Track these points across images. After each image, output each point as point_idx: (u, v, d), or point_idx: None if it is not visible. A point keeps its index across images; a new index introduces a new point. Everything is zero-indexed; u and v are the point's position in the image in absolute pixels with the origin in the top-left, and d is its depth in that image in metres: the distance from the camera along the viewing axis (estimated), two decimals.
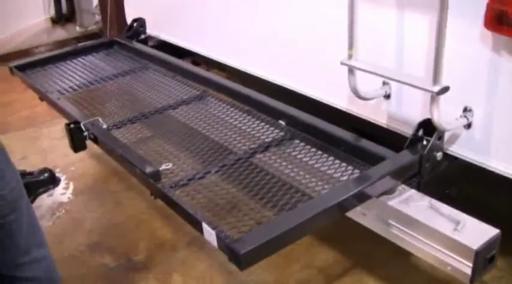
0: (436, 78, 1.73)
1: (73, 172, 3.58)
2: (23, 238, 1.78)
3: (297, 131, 2.33)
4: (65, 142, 2.63)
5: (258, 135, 2.37)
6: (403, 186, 1.95)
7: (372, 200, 1.88)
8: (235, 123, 2.50)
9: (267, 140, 2.32)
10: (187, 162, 2.23)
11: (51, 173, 3.25)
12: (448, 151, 1.99)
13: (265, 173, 2.09)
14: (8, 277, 1.80)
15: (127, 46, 3.54)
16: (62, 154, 3.72)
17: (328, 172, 2.06)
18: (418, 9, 1.92)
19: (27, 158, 3.75)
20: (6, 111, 4.41)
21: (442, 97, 1.77)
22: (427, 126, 1.92)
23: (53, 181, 3.17)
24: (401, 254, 2.34)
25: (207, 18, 3.10)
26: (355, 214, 1.97)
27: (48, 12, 5.74)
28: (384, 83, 2.13)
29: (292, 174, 2.08)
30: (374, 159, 1.99)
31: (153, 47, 3.56)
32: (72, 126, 2.50)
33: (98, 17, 5.62)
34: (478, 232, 1.72)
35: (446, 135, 1.97)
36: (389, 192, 1.91)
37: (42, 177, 3.15)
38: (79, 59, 3.46)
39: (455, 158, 1.99)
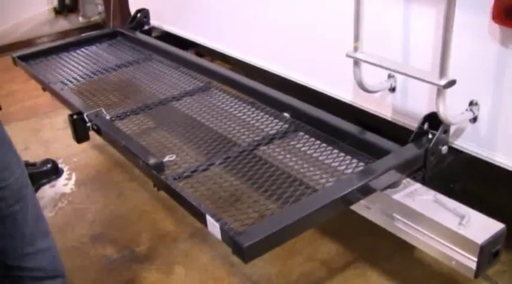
0: (442, 72, 1.72)
1: (75, 163, 3.57)
2: (28, 228, 1.77)
3: (302, 123, 2.32)
4: (68, 132, 2.62)
5: (262, 127, 2.37)
6: (408, 179, 1.94)
7: (376, 193, 1.87)
8: (239, 114, 2.49)
9: (271, 132, 2.31)
10: (190, 153, 2.23)
11: (54, 164, 3.27)
12: (453, 145, 1.98)
13: (269, 165, 2.08)
14: (13, 268, 1.79)
15: (130, 37, 3.53)
16: (64, 144, 3.71)
17: (333, 165, 2.05)
18: (425, 1, 1.90)
19: (29, 149, 3.74)
20: (9, 101, 4.40)
21: (448, 90, 1.76)
22: (433, 120, 1.92)
23: (55, 171, 3.18)
24: (404, 248, 2.34)
25: (211, 9, 3.08)
26: (360, 207, 1.97)
27: (51, 3, 5.71)
28: (389, 76, 2.12)
29: (296, 167, 2.07)
30: (379, 152, 1.98)
31: (156, 37, 3.55)
32: (75, 116, 2.49)
33: (101, 8, 5.62)
34: (483, 227, 1.72)
35: (452, 129, 1.96)
36: (394, 185, 1.90)
37: (45, 168, 3.17)
38: (82, 49, 3.46)
39: (461, 152, 1.98)
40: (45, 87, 3.00)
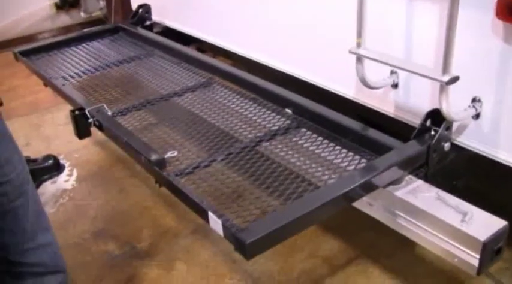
0: (445, 68, 1.71)
1: (77, 159, 3.57)
2: (29, 224, 1.77)
3: (304, 120, 2.31)
4: (69, 128, 2.62)
5: (264, 123, 2.36)
6: (411, 176, 1.94)
7: (378, 190, 1.87)
8: (241, 111, 2.49)
9: (273, 128, 2.30)
10: (192, 149, 2.22)
11: (56, 160, 3.26)
12: (456, 142, 1.98)
13: (271, 162, 2.07)
14: (15, 263, 1.79)
15: (132, 32, 3.53)
16: (65, 140, 3.71)
17: (335, 161, 2.05)
18: None
19: (30, 144, 3.74)
20: (10, 97, 4.39)
21: (451, 87, 1.75)
22: (435, 116, 1.91)
23: (57, 168, 3.18)
24: (406, 245, 2.34)
25: (213, 5, 3.08)
26: (362, 204, 1.96)
27: None
28: (392, 72, 2.11)
29: (298, 163, 2.07)
30: (381, 149, 1.97)
31: (158, 33, 3.54)
32: (77, 112, 2.49)
33: (102, 3, 5.60)
34: (485, 224, 1.71)
35: (454, 126, 1.95)
36: (396, 182, 1.90)
37: (46, 164, 3.17)
38: (84, 44, 3.45)
39: (463, 149, 1.97)
40: (47, 83, 3.00)
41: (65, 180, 3.35)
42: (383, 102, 2.20)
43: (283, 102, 2.43)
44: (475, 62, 1.82)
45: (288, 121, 2.34)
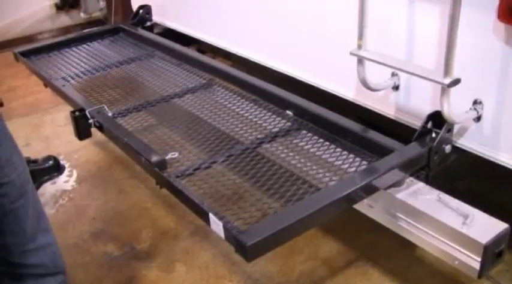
0: (447, 70, 1.71)
1: (76, 159, 3.56)
2: (29, 225, 1.77)
3: (304, 121, 2.31)
4: (68, 129, 2.62)
5: (264, 124, 2.36)
6: (411, 178, 1.93)
7: (379, 192, 1.87)
8: (242, 112, 2.49)
9: (274, 130, 2.30)
10: (193, 151, 2.22)
11: (56, 161, 3.25)
12: (457, 144, 1.98)
13: (272, 163, 2.07)
14: (15, 264, 1.79)
15: (132, 33, 3.53)
16: (65, 141, 3.70)
17: (336, 163, 2.05)
18: None
19: (30, 145, 3.73)
20: (10, 97, 4.38)
21: (452, 89, 1.75)
22: (436, 118, 1.91)
23: (57, 168, 3.17)
24: (405, 247, 2.34)
25: (213, 6, 3.07)
26: (363, 206, 1.96)
27: None
28: (393, 74, 2.11)
29: (299, 165, 2.07)
30: (382, 151, 1.98)
31: (158, 34, 3.54)
32: (77, 113, 2.49)
33: (102, 4, 5.59)
34: (486, 227, 1.71)
35: (455, 128, 1.95)
36: (397, 184, 1.90)
37: (46, 165, 3.15)
38: (84, 45, 3.45)
39: (464, 151, 1.97)
40: (47, 83, 3.00)
41: (65, 181, 3.34)
42: (384, 104, 2.20)
43: (284, 104, 2.42)
44: (477, 64, 1.82)
45: (289, 123, 2.34)
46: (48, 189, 3.24)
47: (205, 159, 2.14)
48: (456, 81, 1.72)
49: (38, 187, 2.58)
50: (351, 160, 2.05)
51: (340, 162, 2.05)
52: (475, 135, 1.92)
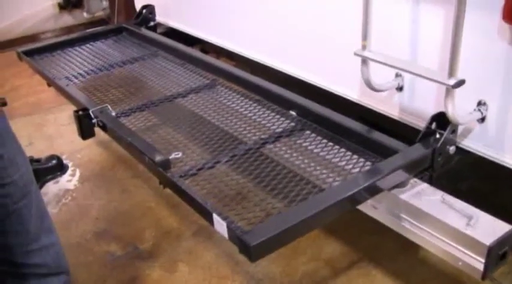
0: (451, 71, 1.70)
1: (79, 159, 3.56)
2: (33, 225, 1.77)
3: (308, 122, 2.31)
4: (71, 128, 2.62)
5: (268, 125, 2.35)
6: (415, 179, 1.93)
7: (383, 193, 1.86)
8: (246, 112, 2.48)
9: (277, 130, 2.30)
10: (196, 151, 2.22)
11: (59, 160, 3.26)
12: (461, 145, 1.97)
13: (276, 164, 2.07)
14: (18, 264, 1.79)
15: (136, 33, 3.52)
16: (68, 140, 3.71)
17: (340, 164, 2.04)
18: (435, 0, 1.89)
19: (33, 144, 3.74)
20: (13, 97, 4.39)
21: (457, 90, 1.75)
22: (441, 119, 1.90)
23: (60, 168, 3.17)
24: (409, 248, 2.34)
25: (217, 6, 3.07)
26: (366, 207, 1.95)
27: None
28: (397, 75, 2.10)
29: (302, 165, 2.06)
30: (386, 152, 1.97)
31: (162, 34, 3.53)
32: (80, 113, 2.49)
33: (105, 3, 5.59)
34: (490, 228, 1.70)
35: (460, 129, 1.94)
36: (401, 185, 1.89)
37: (50, 164, 3.16)
38: (87, 45, 3.45)
39: (468, 152, 1.96)
40: (50, 83, 3.00)
41: (68, 180, 3.35)
42: (388, 105, 2.19)
43: (287, 104, 2.42)
44: (481, 65, 1.81)
45: (293, 123, 2.34)
46: (51, 188, 3.25)
47: (208, 159, 2.13)
48: (461, 82, 1.72)
49: (41, 187, 2.58)
50: (354, 160, 2.05)
51: (343, 163, 2.04)
52: (479, 136, 1.91)
